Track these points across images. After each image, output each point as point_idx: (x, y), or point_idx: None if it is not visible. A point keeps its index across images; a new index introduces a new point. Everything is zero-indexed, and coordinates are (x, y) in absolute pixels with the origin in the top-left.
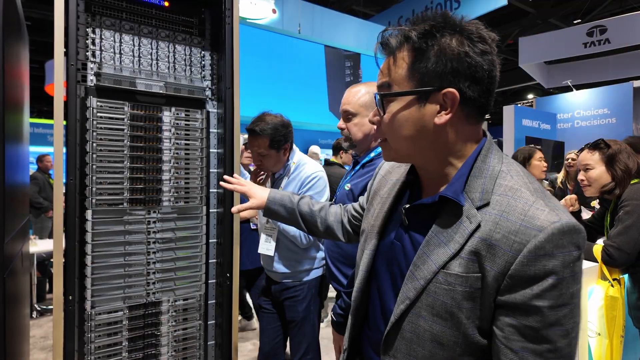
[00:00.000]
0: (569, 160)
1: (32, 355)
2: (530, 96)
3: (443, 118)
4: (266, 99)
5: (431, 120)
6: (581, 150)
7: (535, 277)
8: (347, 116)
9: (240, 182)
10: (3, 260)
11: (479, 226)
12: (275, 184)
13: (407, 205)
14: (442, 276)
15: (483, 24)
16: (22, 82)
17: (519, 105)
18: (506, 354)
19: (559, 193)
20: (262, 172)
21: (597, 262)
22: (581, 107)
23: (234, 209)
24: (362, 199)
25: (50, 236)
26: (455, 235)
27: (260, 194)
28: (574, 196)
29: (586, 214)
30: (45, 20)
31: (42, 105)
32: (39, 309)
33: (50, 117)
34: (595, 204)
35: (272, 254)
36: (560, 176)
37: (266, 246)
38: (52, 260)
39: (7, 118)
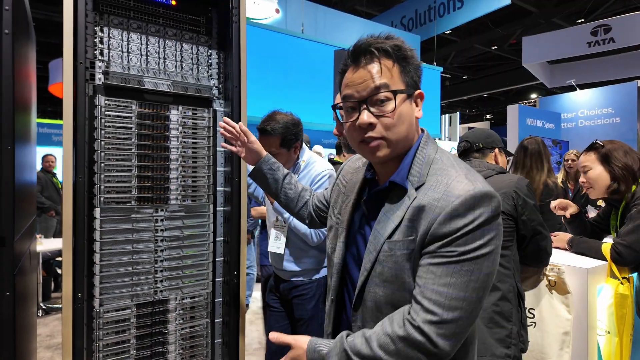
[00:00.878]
0: (569, 162)
1: (39, 353)
2: (533, 96)
3: (419, 113)
4: (269, 99)
5: (413, 116)
6: (582, 153)
7: (448, 233)
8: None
9: (242, 134)
10: (13, 258)
11: (414, 200)
12: None
13: (364, 198)
14: (387, 245)
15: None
16: (30, 82)
17: (523, 104)
18: (416, 285)
19: (561, 193)
20: None
21: (606, 260)
22: (585, 107)
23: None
24: (326, 193)
25: (55, 235)
26: (398, 211)
27: (258, 149)
28: (564, 201)
29: (592, 213)
30: (49, 20)
31: (46, 105)
32: (44, 307)
33: (54, 117)
34: (601, 202)
35: (282, 252)
36: (559, 176)
37: (276, 244)
38: (57, 259)
39: (17, 119)
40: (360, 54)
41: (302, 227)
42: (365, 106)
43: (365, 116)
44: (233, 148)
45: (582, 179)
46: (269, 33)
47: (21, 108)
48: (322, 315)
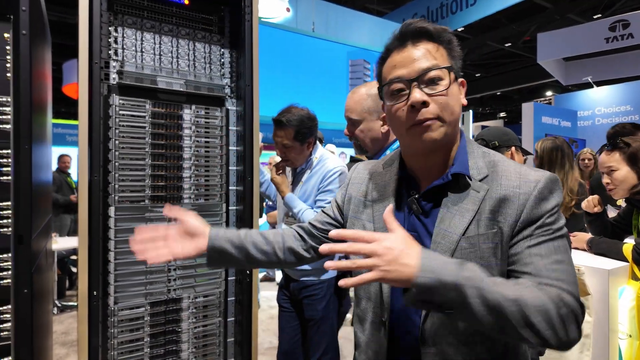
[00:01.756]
0: (585, 161)
1: (54, 350)
2: (548, 93)
3: (464, 100)
4: (280, 98)
5: (460, 100)
6: (600, 151)
7: (540, 215)
8: (352, 123)
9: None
10: (31, 256)
11: (487, 191)
12: (296, 178)
13: (416, 195)
14: (464, 242)
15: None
16: (46, 83)
17: (538, 102)
18: (538, 271)
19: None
20: (283, 165)
21: (627, 261)
22: (602, 104)
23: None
24: (329, 211)
25: (69, 234)
26: (467, 205)
27: (201, 229)
28: (596, 197)
29: (612, 212)
30: (62, 22)
31: (60, 106)
32: (59, 305)
33: (68, 117)
34: (621, 202)
35: None
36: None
37: None
38: (71, 257)
39: (33, 119)
40: (407, 35)
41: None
42: (416, 84)
43: (418, 94)
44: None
45: (605, 179)
46: (280, 32)
47: (38, 108)
48: (333, 316)
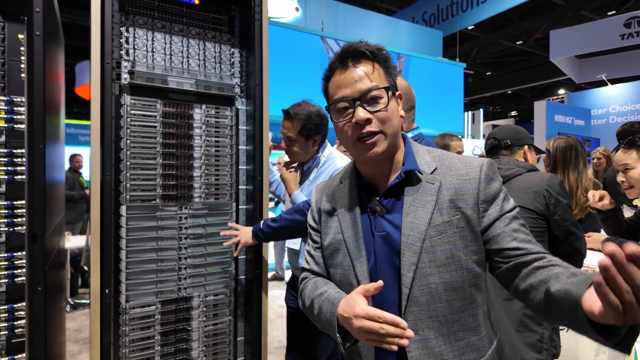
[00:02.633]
0: (595, 160)
1: (67, 347)
2: (560, 92)
3: (402, 112)
4: (289, 98)
5: (399, 114)
6: (616, 149)
7: (495, 193)
8: None
9: None
10: (44, 254)
11: (441, 183)
12: (304, 176)
13: (377, 198)
14: (432, 230)
15: None
16: (59, 84)
17: (551, 100)
18: (522, 246)
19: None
20: (293, 164)
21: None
22: (617, 102)
23: None
24: (310, 246)
25: (82, 232)
26: (426, 197)
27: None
28: (604, 192)
29: (629, 212)
30: (74, 24)
31: (73, 107)
32: (72, 303)
33: (80, 118)
34: (637, 202)
35: (298, 248)
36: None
37: (292, 240)
38: (90, 262)
39: (47, 119)
40: (348, 57)
41: (300, 198)
42: (359, 103)
43: (362, 113)
44: None
45: (620, 177)
46: (289, 32)
47: (51, 109)
48: None
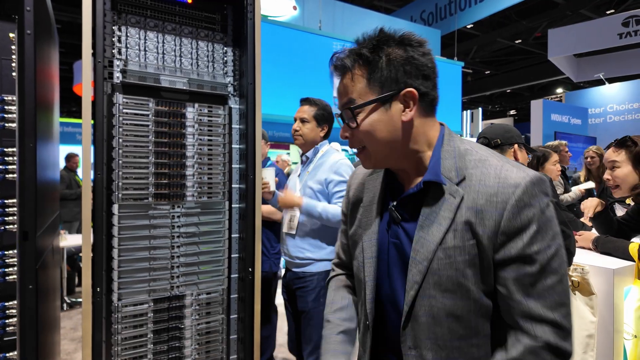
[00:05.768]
0: (588, 159)
1: (63, 345)
2: (559, 90)
3: (408, 115)
4: (286, 97)
5: (399, 119)
6: (608, 147)
7: (522, 226)
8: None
9: None
10: (36, 252)
11: (462, 198)
12: (303, 169)
13: (394, 203)
14: (441, 252)
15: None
16: (52, 82)
17: (548, 99)
18: (513, 307)
19: (586, 195)
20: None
21: (634, 261)
22: (614, 101)
23: None
24: (342, 228)
25: (79, 231)
26: (443, 212)
27: None
28: (596, 200)
29: (621, 211)
30: (73, 22)
31: (71, 105)
32: (68, 301)
33: (79, 116)
34: (629, 200)
35: (294, 233)
36: (581, 175)
37: (289, 225)
38: (81, 254)
39: (39, 117)
40: (332, 70)
41: (337, 216)
42: (341, 120)
43: (343, 130)
44: None
45: (607, 175)
46: (286, 30)
47: (43, 107)
48: (322, 310)
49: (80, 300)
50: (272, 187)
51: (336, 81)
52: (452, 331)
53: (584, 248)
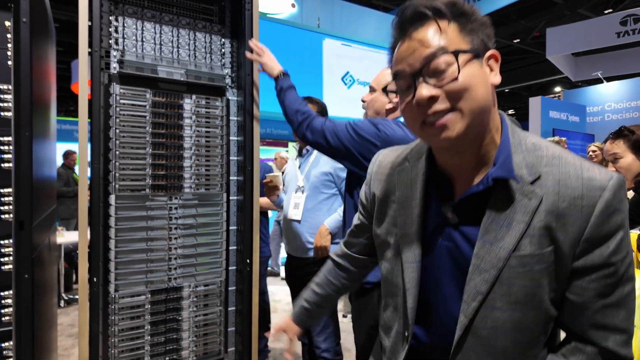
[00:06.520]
0: (590, 153)
1: (60, 341)
2: (557, 89)
3: (498, 78)
4: None
5: (489, 81)
6: (605, 141)
7: (609, 234)
8: (370, 91)
9: None
10: (31, 242)
11: (541, 201)
12: (303, 160)
13: (454, 202)
14: (514, 260)
15: None
16: (49, 80)
17: (546, 97)
18: (586, 316)
19: None
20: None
21: (633, 251)
22: (612, 100)
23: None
24: (356, 217)
25: (76, 229)
26: (517, 215)
27: (287, 323)
28: None
29: None
30: (71, 21)
31: (69, 104)
32: (66, 298)
33: (77, 115)
34: (629, 194)
35: (299, 218)
36: None
37: (294, 212)
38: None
39: (35, 116)
40: (406, 22)
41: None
42: (421, 79)
43: (425, 90)
44: None
45: (611, 167)
46: (285, 28)
47: (39, 99)
48: None
49: (77, 297)
50: (281, 190)
51: (412, 38)
52: (515, 344)
53: None
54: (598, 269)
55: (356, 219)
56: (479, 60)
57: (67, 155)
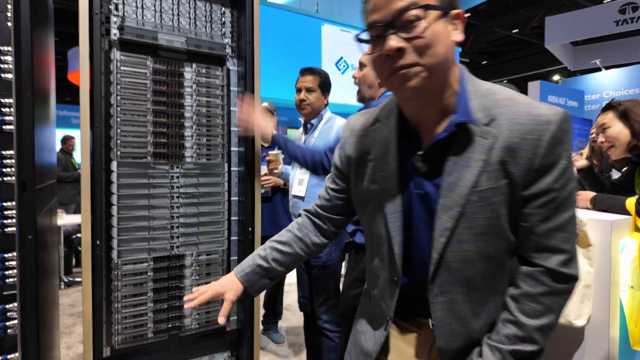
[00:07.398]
0: (593, 135)
1: (62, 320)
2: (555, 77)
3: (459, 36)
4: (283, 79)
5: (450, 38)
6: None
7: (554, 162)
8: (360, 67)
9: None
10: (34, 203)
11: (496, 139)
12: (308, 135)
13: (421, 152)
14: (475, 196)
15: None
16: (49, 68)
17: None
18: (532, 240)
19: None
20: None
21: (631, 215)
22: (610, 88)
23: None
24: (330, 182)
25: (76, 212)
26: (475, 155)
27: (228, 283)
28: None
29: (617, 174)
30: (67, 10)
31: (66, 95)
32: (66, 280)
33: (74, 104)
34: (625, 170)
35: (304, 194)
36: (584, 152)
37: (298, 188)
38: (78, 235)
39: (36, 104)
40: None
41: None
42: (391, 30)
43: (393, 41)
44: None
45: (601, 138)
46: (284, 13)
47: (40, 93)
48: (335, 263)
49: (77, 279)
50: (281, 168)
51: None
52: (484, 272)
53: (582, 208)
54: (542, 195)
55: (330, 182)
56: (445, 18)
57: (65, 140)
